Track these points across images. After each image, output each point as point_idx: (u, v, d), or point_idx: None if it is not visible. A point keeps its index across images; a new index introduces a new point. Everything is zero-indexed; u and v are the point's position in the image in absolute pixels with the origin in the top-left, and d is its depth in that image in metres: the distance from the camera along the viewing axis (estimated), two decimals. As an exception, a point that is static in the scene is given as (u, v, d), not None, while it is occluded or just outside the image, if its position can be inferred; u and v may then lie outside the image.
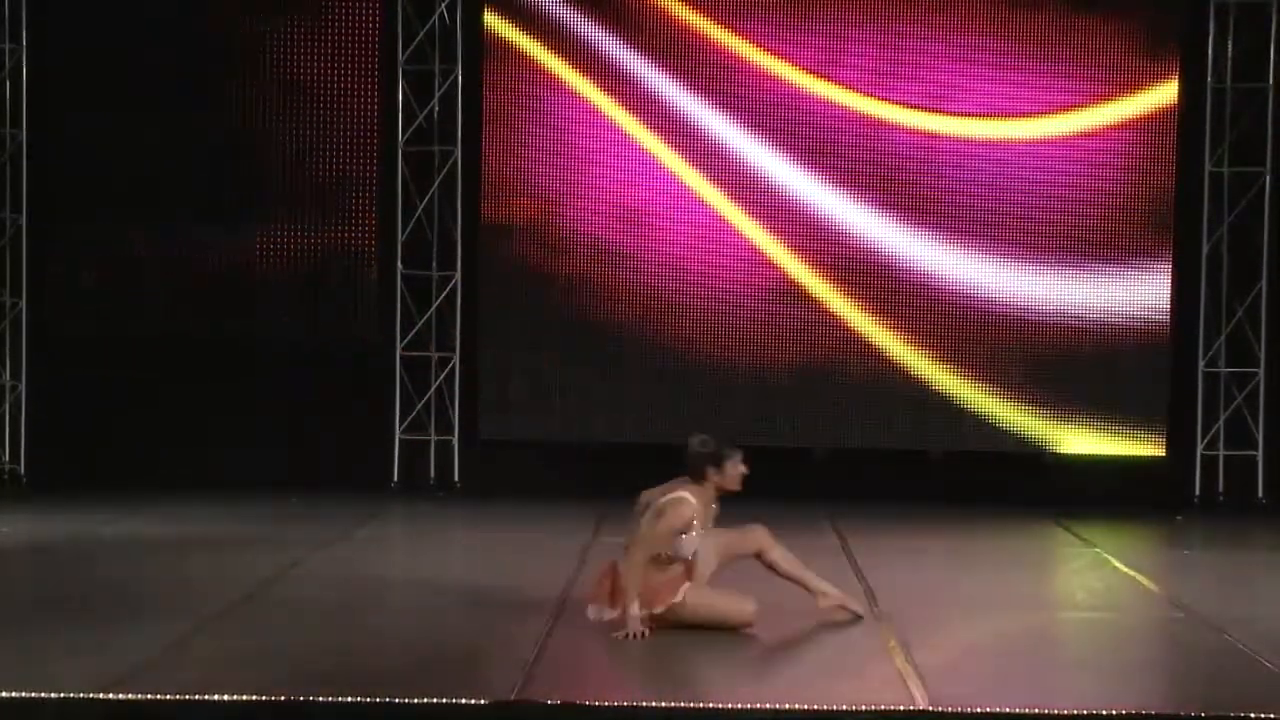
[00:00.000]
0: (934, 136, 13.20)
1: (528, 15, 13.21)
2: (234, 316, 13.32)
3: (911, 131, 13.20)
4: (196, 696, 6.75)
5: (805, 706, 6.74)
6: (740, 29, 13.21)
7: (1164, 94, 13.20)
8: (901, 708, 6.79)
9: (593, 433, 13.24)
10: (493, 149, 13.27)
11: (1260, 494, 13.28)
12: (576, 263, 13.24)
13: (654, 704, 6.72)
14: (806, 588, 8.58)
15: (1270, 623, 8.67)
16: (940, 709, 6.75)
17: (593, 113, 13.22)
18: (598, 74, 13.20)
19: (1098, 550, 11.07)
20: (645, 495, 8.58)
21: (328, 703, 6.71)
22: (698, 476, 8.43)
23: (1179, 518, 12.84)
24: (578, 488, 12.92)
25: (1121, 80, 13.15)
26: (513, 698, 6.84)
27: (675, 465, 13.15)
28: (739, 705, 6.79)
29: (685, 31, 13.21)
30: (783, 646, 8.06)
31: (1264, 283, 13.22)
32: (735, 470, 8.53)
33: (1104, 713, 6.71)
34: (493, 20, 13.24)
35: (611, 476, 13.07)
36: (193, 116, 13.22)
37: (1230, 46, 13.20)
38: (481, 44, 13.29)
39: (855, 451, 13.23)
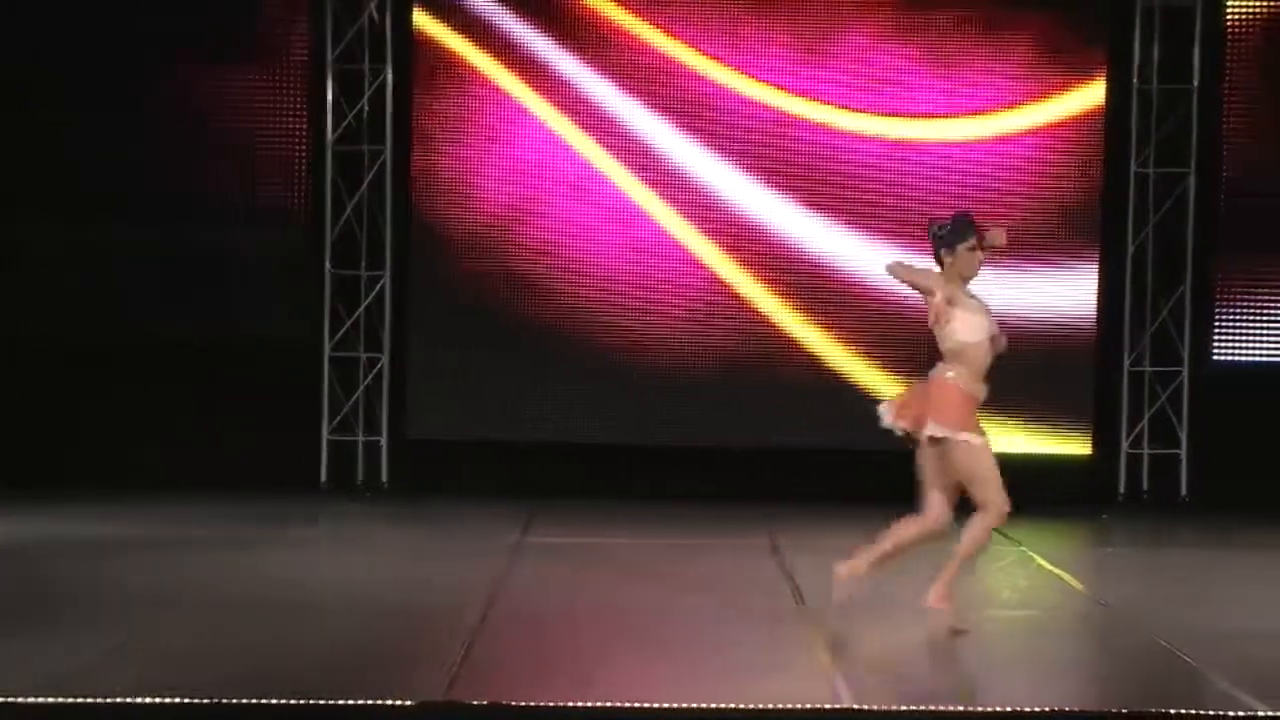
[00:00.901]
0: (863, 137, 13.25)
1: (458, 15, 13.18)
2: (159, 316, 13.21)
3: (841, 133, 13.25)
4: (124, 700, 6.70)
5: (732, 705, 6.76)
6: (673, 30, 13.22)
7: (1091, 95, 13.29)
8: (828, 706, 6.81)
9: (522, 432, 13.22)
10: (422, 149, 13.24)
11: (1183, 492, 13.39)
12: (506, 262, 13.22)
13: (581, 704, 6.73)
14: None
15: (1191, 619, 8.76)
16: (867, 707, 6.78)
17: (522, 113, 13.20)
18: (528, 74, 13.18)
19: (1023, 548, 11.14)
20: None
21: (254, 704, 6.68)
22: (937, 261, 8.41)
23: (1104, 516, 12.94)
24: (507, 487, 12.94)
25: (1049, 82, 13.23)
26: (440, 699, 6.83)
27: (604, 463, 13.30)
28: (665, 704, 6.80)
29: (616, 32, 13.22)
30: (710, 644, 8.07)
31: (1188, 282, 13.34)
32: (969, 254, 8.41)
33: (1028, 710, 6.76)
34: (422, 20, 13.21)
35: (540, 476, 13.16)
36: (117, 114, 13.13)
37: (1156, 49, 13.32)
38: (411, 44, 13.25)
39: (785, 450, 13.26)
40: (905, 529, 8.50)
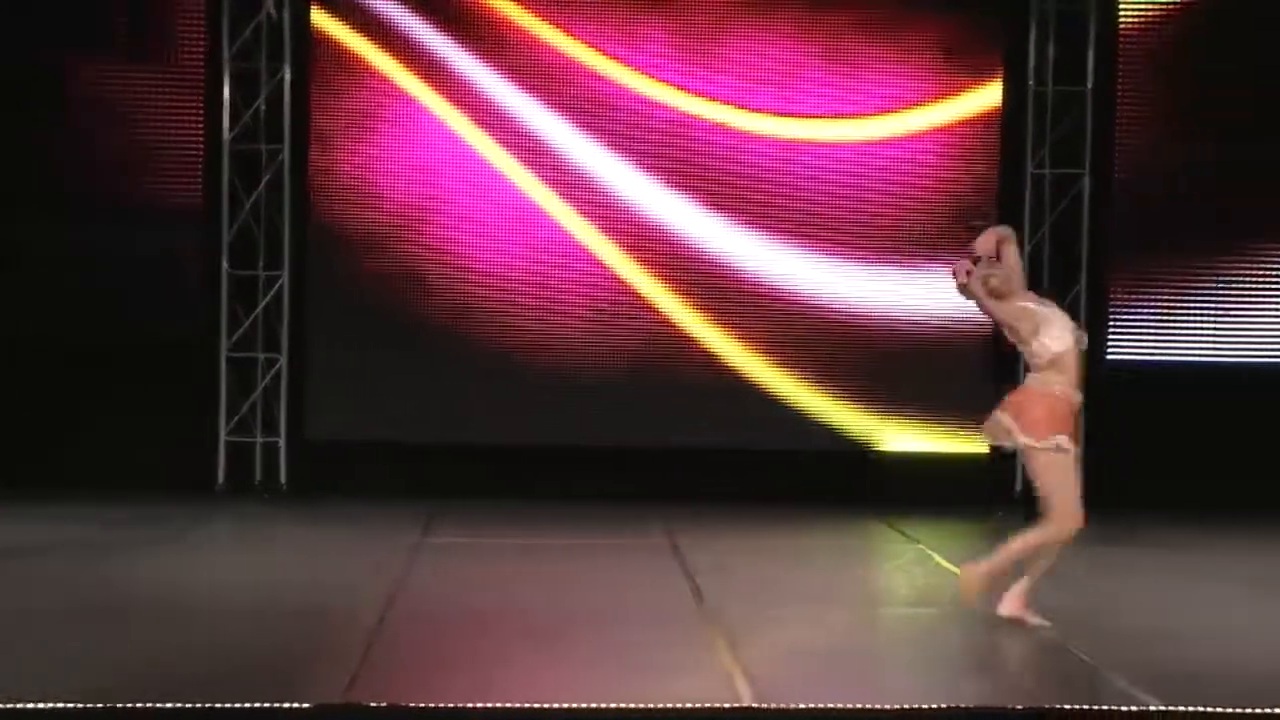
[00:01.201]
0: (762, 137, 13.31)
1: (357, 13, 13.12)
2: (52, 316, 13.05)
3: (739, 132, 13.30)
4: (16, 705, 6.61)
5: (632, 704, 6.75)
6: (572, 29, 13.22)
7: (987, 97, 13.41)
8: (728, 705, 6.82)
9: (422, 433, 13.16)
10: (321, 148, 13.16)
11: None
12: (406, 262, 13.17)
13: (480, 705, 6.70)
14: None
15: (1082, 614, 8.84)
16: (766, 705, 6.79)
17: (422, 112, 13.16)
18: (428, 73, 13.14)
19: (921, 547, 11.22)
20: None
21: (148, 709, 6.60)
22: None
23: (1000, 514, 13.04)
24: (407, 488, 12.89)
25: (946, 83, 13.34)
26: (338, 701, 6.79)
27: (505, 463, 13.24)
28: (566, 704, 6.79)
29: (515, 31, 13.19)
30: (609, 644, 8.07)
31: (1083, 283, 13.48)
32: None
33: (925, 707, 6.80)
34: (321, 18, 13.13)
35: (441, 476, 13.12)
36: (10, 113, 12.96)
37: (1051, 51, 13.45)
38: (310, 42, 13.16)
39: (684, 450, 13.28)
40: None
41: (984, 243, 8.56)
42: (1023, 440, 8.32)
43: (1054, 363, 8.40)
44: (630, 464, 13.22)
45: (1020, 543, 8.40)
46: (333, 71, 13.14)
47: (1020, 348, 8.50)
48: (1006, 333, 8.53)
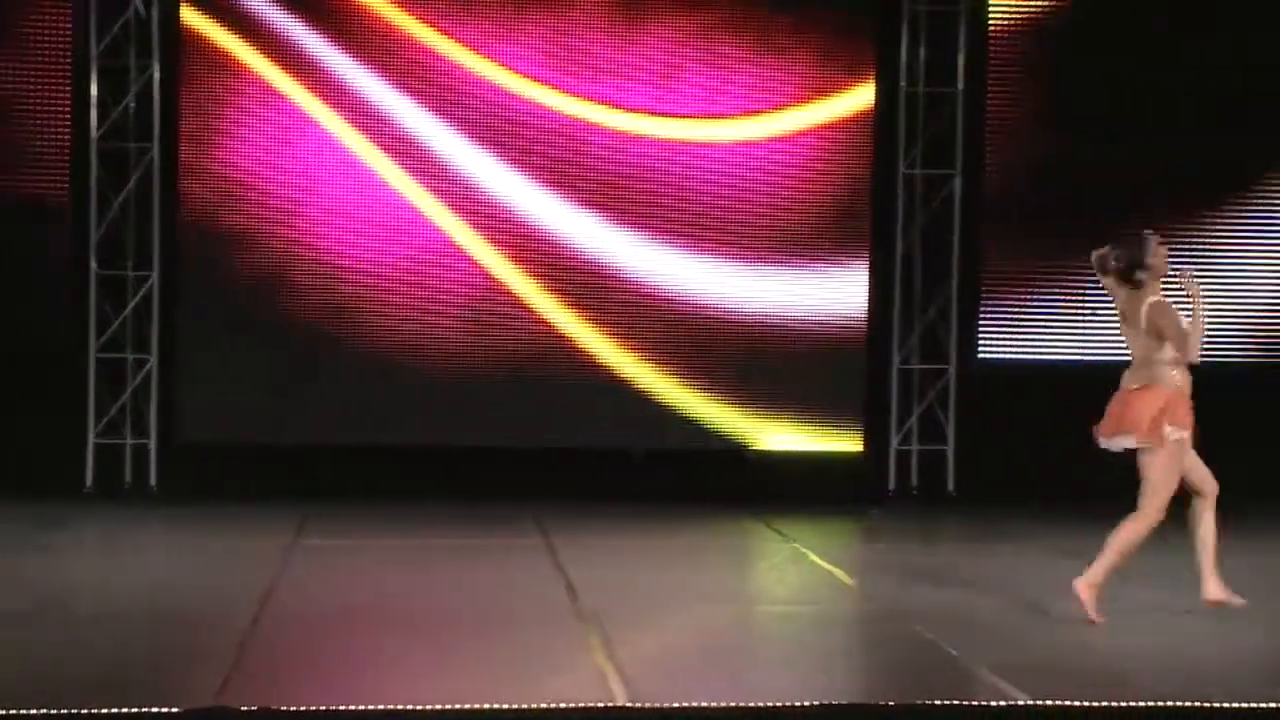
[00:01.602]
0: (638, 137, 13.32)
1: (228, 11, 12.98)
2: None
3: (615, 132, 13.30)
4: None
5: (505, 705, 6.73)
6: (448, 29, 13.15)
7: (860, 98, 13.50)
8: (601, 704, 6.82)
9: (294, 434, 13.06)
10: (191, 146, 13.01)
11: (950, 487, 13.68)
12: (278, 262, 13.06)
13: (353, 707, 6.65)
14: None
15: (954, 611, 8.92)
16: (640, 705, 6.80)
17: (294, 111, 13.05)
18: (299, 71, 13.03)
19: (796, 545, 11.28)
20: (1119, 301, 8.77)
21: (16, 715, 6.50)
22: (1131, 281, 8.66)
23: (874, 511, 13.15)
24: (280, 490, 12.76)
25: (820, 84, 13.42)
26: (209, 705, 6.72)
27: (380, 464, 13.17)
28: (440, 705, 6.76)
29: (390, 30, 13.11)
30: (483, 644, 8.05)
31: (954, 282, 13.62)
32: (1161, 252, 8.70)
33: (799, 704, 6.83)
34: (190, 15, 12.98)
35: (314, 478, 13.02)
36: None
37: (922, 52, 13.57)
38: (179, 39, 13.02)
39: (560, 450, 13.27)
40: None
41: (1160, 258, 8.77)
42: (1153, 437, 8.63)
43: (1177, 360, 8.68)
44: (506, 464, 13.19)
45: (1122, 540, 8.69)
46: (203, 69, 13.00)
47: (1147, 344, 8.69)
48: (1149, 330, 8.66)
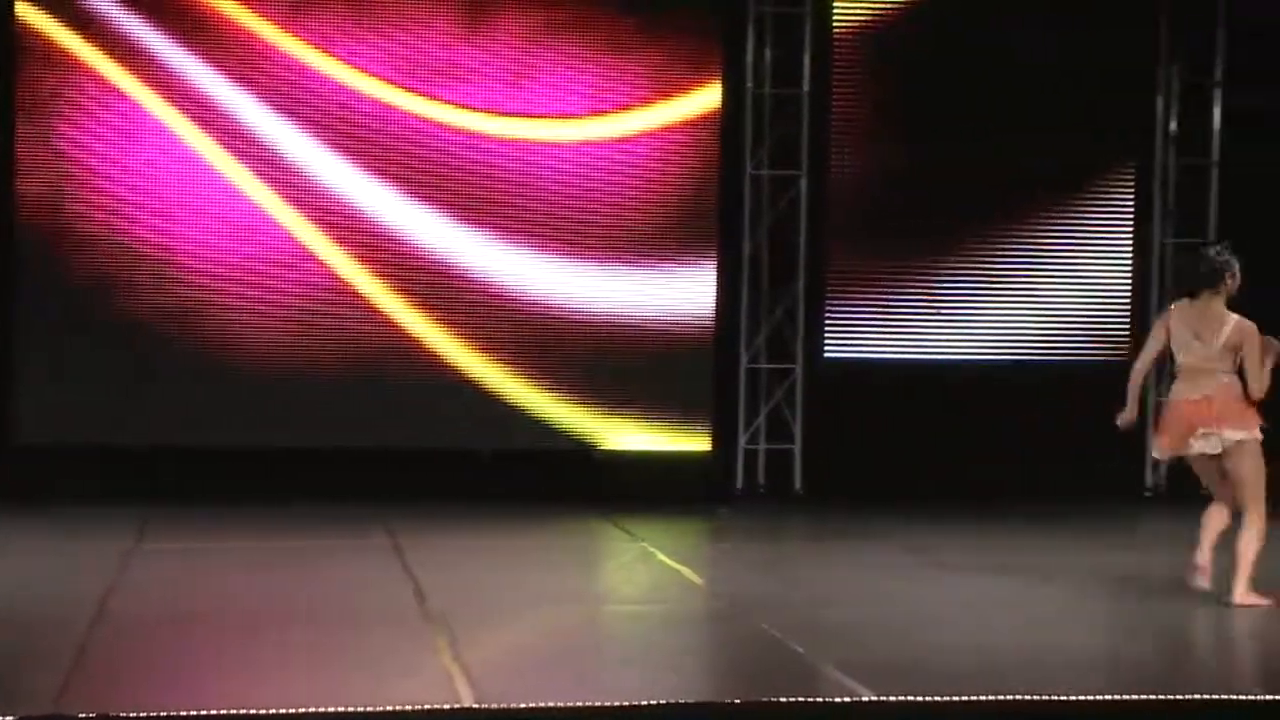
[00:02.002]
0: (485, 137, 13.27)
1: (64, 7, 12.75)
2: None
3: (462, 132, 13.25)
4: None
5: (352, 708, 6.67)
6: (291, 27, 13.02)
7: (707, 98, 13.55)
8: (448, 706, 6.79)
9: (135, 436, 12.86)
10: (27, 143, 12.76)
11: (798, 486, 13.76)
12: (118, 261, 12.85)
13: (196, 711, 6.56)
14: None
15: (800, 609, 8.99)
16: (486, 706, 6.77)
17: (134, 109, 12.85)
18: (140, 68, 12.82)
19: (645, 544, 11.29)
20: (1179, 311, 9.13)
21: None
22: (1214, 288, 9.06)
23: (722, 510, 13.20)
24: (121, 493, 12.55)
25: (667, 85, 13.45)
26: (47, 711, 6.59)
27: (223, 466, 13.00)
28: (285, 709, 6.69)
29: (235, 28, 12.95)
30: (328, 647, 7.97)
31: (800, 282, 13.71)
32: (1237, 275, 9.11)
33: (647, 704, 6.84)
34: (25, 10, 12.74)
35: (157, 481, 12.82)
36: None
37: (768, 53, 13.65)
38: (14, 34, 12.76)
39: (407, 451, 13.19)
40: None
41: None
42: (1239, 436, 8.97)
43: (1233, 375, 9.11)
44: (353, 465, 13.08)
45: (1251, 545, 8.97)
46: (39, 67, 12.76)
47: (1219, 356, 9.06)
48: (1229, 346, 9.04)
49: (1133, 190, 14.15)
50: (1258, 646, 8.25)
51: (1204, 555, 9.13)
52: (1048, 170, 13.84)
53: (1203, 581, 9.10)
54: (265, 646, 7.95)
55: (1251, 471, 8.97)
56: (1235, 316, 9.02)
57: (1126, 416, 9.27)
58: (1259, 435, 8.98)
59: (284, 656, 7.80)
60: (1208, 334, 9.00)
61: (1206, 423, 8.96)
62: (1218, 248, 9.21)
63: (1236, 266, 9.10)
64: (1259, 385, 8.94)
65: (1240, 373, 9.04)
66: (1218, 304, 9.04)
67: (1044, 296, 13.98)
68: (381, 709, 6.68)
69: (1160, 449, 9.33)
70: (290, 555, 10.79)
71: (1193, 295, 9.13)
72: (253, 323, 13.01)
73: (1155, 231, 14.18)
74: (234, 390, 12.95)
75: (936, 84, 13.73)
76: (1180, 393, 9.10)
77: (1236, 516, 9.13)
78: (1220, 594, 9.05)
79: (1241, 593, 8.95)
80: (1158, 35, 14.05)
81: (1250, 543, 8.95)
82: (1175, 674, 7.60)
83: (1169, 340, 9.17)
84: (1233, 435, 8.95)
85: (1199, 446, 9.01)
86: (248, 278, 13.01)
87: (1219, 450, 8.99)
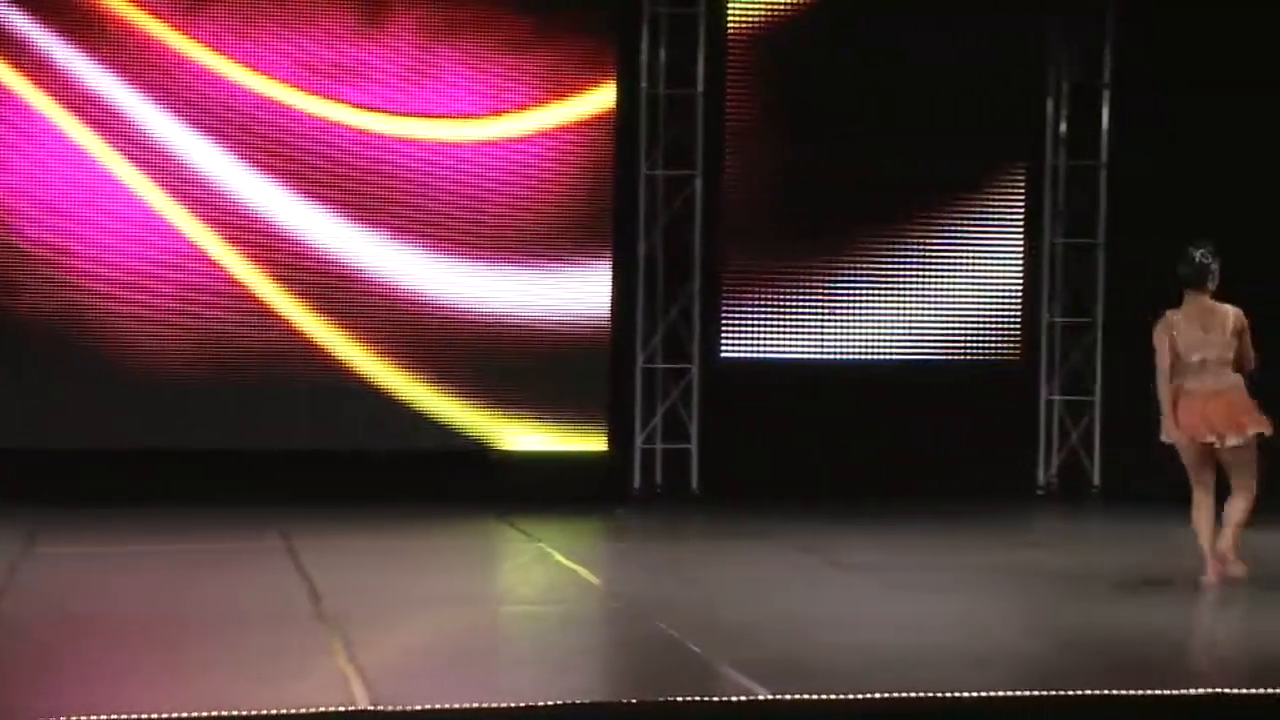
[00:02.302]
0: (380, 137, 13.22)
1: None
2: None
3: (358, 131, 13.19)
4: None
5: (246, 711, 6.61)
6: (184, 26, 12.90)
7: (602, 99, 13.55)
8: (342, 709, 6.74)
9: (25, 439, 12.69)
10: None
11: (694, 486, 13.80)
12: (6, 262, 12.70)
13: (84, 717, 6.48)
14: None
15: (697, 609, 9.02)
16: (381, 708, 6.74)
17: (23, 107, 12.69)
18: (28, 66, 12.67)
19: (541, 545, 11.28)
20: (1175, 315, 9.67)
21: None
22: (1202, 285, 9.65)
23: (619, 510, 13.21)
24: (11, 497, 12.36)
25: (561, 85, 13.44)
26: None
27: (115, 470, 12.84)
28: (178, 713, 6.62)
29: (127, 27, 12.82)
30: (221, 650, 7.90)
31: (696, 282, 13.74)
32: None
33: (543, 704, 6.83)
34: (-87, 8, 12.57)
35: (47, 485, 12.64)
36: None
37: (662, 54, 13.67)
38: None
39: (301, 452, 13.10)
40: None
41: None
42: (1259, 429, 9.59)
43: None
44: (245, 467, 12.97)
45: (1240, 508, 9.62)
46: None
47: (1227, 345, 9.64)
48: (1235, 333, 9.65)
49: (1024, 191, 14.29)
50: (1147, 642, 8.35)
51: (1218, 547, 9.70)
52: (940, 171, 13.96)
53: (1237, 570, 9.67)
54: (156, 650, 7.88)
55: (1250, 462, 9.65)
56: (1232, 308, 9.66)
57: (1170, 430, 9.74)
58: (1269, 432, 9.60)
59: (175, 660, 7.72)
60: (1214, 327, 9.61)
61: (1227, 421, 9.58)
62: (1202, 250, 9.67)
63: (1217, 268, 9.65)
64: (1251, 365, 9.63)
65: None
66: (1210, 299, 9.65)
67: (937, 296, 14.09)
68: (274, 712, 6.62)
69: (1173, 435, 9.72)
70: (183, 558, 10.70)
71: (1182, 298, 9.70)
72: (146, 324, 12.88)
73: (1046, 231, 14.32)
74: (127, 392, 12.81)
75: (830, 85, 13.80)
76: (1195, 387, 9.61)
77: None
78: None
79: (1231, 555, 9.66)
80: (1048, 38, 14.20)
81: (1240, 508, 9.63)
82: (1069, 671, 7.66)
83: (1174, 344, 9.66)
84: (1238, 439, 9.59)
85: (1232, 441, 9.58)
86: (140, 279, 12.88)
87: (1243, 443, 9.59)
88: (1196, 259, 9.65)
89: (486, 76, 13.34)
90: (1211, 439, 9.63)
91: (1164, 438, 9.81)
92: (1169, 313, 9.72)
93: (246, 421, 13.04)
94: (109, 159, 12.81)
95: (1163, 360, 9.68)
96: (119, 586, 9.63)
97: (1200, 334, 9.59)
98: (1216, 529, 9.72)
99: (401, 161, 13.24)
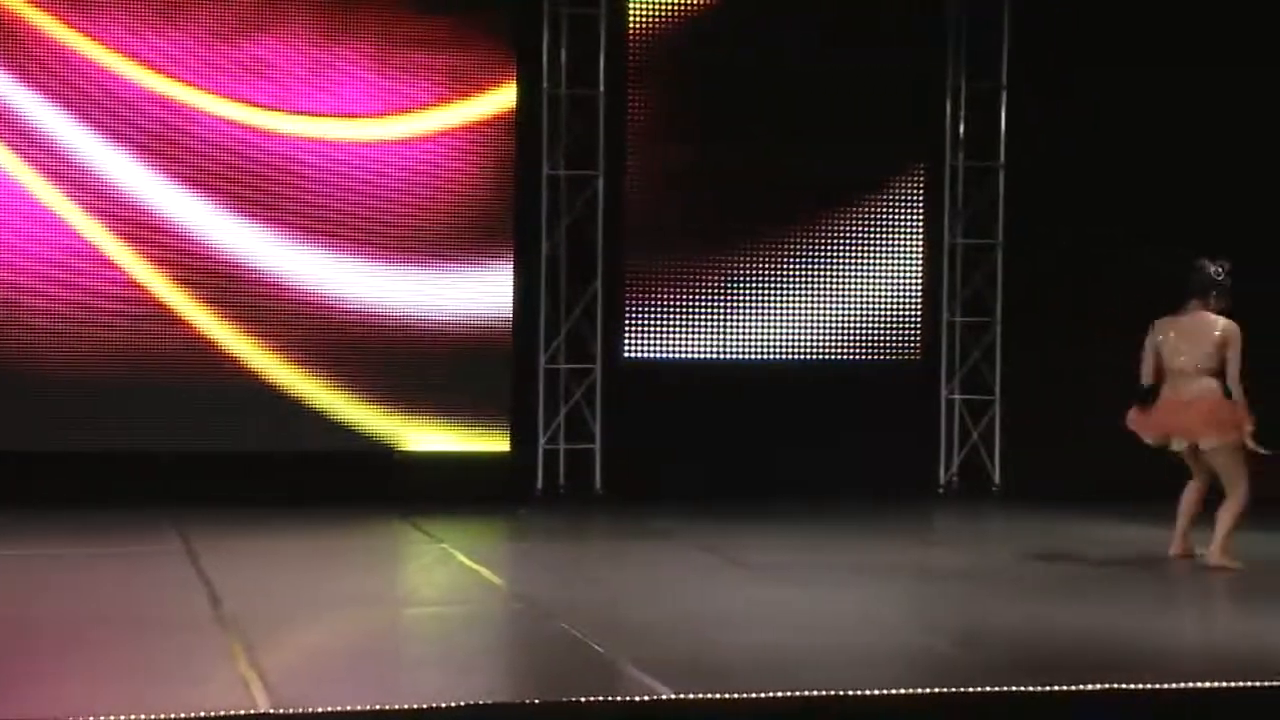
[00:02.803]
0: (281, 136, 13.14)
1: None
2: None
3: (258, 130, 13.10)
4: None
5: (144, 715, 6.55)
6: (85, 27, 12.76)
7: (503, 99, 13.53)
8: (242, 712, 6.70)
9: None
10: None
11: (598, 485, 13.81)
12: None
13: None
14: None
15: (600, 608, 9.02)
16: (282, 711, 6.69)
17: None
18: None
19: (444, 545, 11.25)
20: (1163, 322, 10.18)
21: None
22: (1206, 299, 10.11)
23: (522, 511, 13.19)
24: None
25: (462, 84, 13.41)
26: None
27: (11, 471, 12.67)
28: (74, 718, 6.55)
29: (21, 25, 12.66)
30: (118, 655, 7.82)
31: (599, 282, 13.75)
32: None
33: (445, 705, 6.81)
34: None
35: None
36: None
37: (564, 54, 13.66)
38: None
39: (201, 455, 13.00)
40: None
41: None
42: (1213, 444, 10.09)
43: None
44: (146, 470, 12.86)
45: (1230, 512, 10.13)
46: None
47: (1210, 356, 10.12)
48: (1221, 346, 10.09)
49: (923, 191, 14.40)
50: (1045, 638, 8.43)
51: (1187, 533, 10.43)
52: (841, 171, 14.05)
53: (1214, 560, 10.20)
54: (54, 655, 7.78)
55: (1227, 465, 10.11)
56: (1223, 319, 10.09)
57: (1131, 419, 10.33)
58: (1233, 440, 10.02)
59: (70, 665, 7.63)
60: (1196, 339, 10.09)
61: (1182, 428, 10.15)
62: (1217, 265, 10.15)
63: (1227, 284, 10.13)
64: (1236, 384, 10.00)
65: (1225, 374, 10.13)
66: (1206, 313, 10.12)
67: (838, 296, 14.17)
68: (174, 717, 6.57)
69: (1147, 437, 10.34)
70: (82, 562, 10.58)
71: (1180, 307, 10.21)
72: (44, 325, 12.74)
73: (945, 232, 14.44)
74: (25, 394, 12.66)
75: (732, 85, 13.86)
76: (1165, 394, 10.22)
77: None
78: (1199, 555, 10.38)
79: (1216, 554, 10.16)
80: (947, 42, 14.32)
81: (1229, 511, 10.13)
82: (968, 668, 7.73)
83: (1160, 350, 10.25)
84: (1207, 444, 10.11)
85: (1174, 445, 10.25)
86: (36, 281, 12.73)
87: (1211, 449, 10.12)
88: (1208, 271, 10.11)
89: (388, 75, 13.29)
90: (1181, 444, 10.21)
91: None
92: (1160, 320, 10.27)
93: (146, 423, 12.92)
94: (3, 159, 12.64)
95: (1145, 367, 10.31)
96: (16, 590, 9.52)
97: (1185, 343, 10.12)
98: (1194, 513, 10.38)
99: (302, 161, 13.16)
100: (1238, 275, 10.31)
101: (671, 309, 13.96)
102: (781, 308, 14.07)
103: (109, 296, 12.86)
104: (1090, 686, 7.14)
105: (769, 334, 14.04)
